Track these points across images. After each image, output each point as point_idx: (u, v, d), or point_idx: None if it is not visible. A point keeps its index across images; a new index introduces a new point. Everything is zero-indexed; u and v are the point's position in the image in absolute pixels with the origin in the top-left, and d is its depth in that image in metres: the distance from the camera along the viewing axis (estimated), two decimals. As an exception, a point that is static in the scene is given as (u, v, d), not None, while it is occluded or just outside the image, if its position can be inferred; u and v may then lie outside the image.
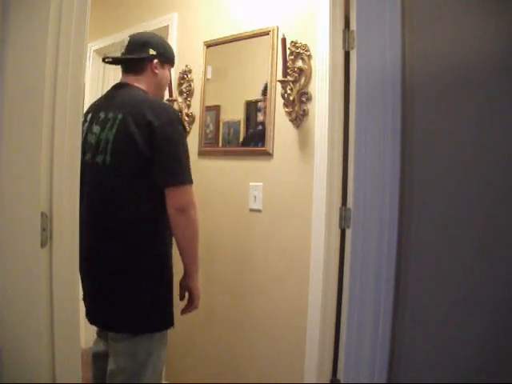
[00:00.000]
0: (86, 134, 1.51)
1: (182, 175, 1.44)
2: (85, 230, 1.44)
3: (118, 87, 1.59)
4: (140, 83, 1.57)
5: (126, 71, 1.61)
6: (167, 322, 1.50)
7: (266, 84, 1.89)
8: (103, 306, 1.48)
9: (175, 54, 2.23)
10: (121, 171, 1.44)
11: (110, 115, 1.47)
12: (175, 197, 1.43)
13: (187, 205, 1.44)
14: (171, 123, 1.44)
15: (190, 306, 1.55)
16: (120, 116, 1.44)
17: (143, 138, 1.40)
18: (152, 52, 1.59)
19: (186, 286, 1.54)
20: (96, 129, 1.49)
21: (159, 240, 1.48)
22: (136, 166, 1.43)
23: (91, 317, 1.54)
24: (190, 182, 1.46)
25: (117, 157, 1.43)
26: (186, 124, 2.20)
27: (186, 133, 1.53)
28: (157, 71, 1.60)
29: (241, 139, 2.01)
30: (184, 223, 1.45)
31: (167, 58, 1.66)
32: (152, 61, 1.59)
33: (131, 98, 1.50)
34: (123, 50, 1.60)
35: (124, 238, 1.45)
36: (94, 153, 1.47)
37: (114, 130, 1.44)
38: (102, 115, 1.51)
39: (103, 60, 1.70)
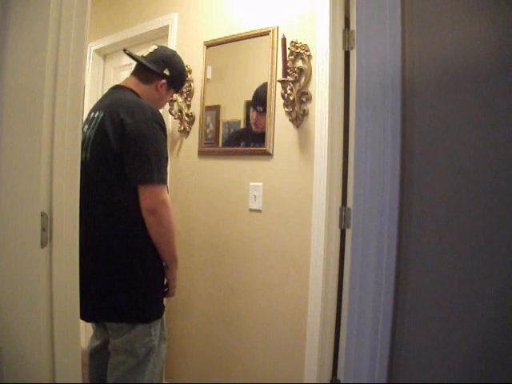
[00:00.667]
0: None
1: (150, 174, 1.41)
2: (81, 223, 1.48)
3: (113, 89, 1.64)
4: (137, 89, 1.60)
5: (133, 73, 1.65)
6: (159, 310, 1.53)
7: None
8: (95, 299, 1.49)
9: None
10: (98, 169, 1.47)
11: (96, 114, 1.53)
12: (145, 197, 1.42)
13: (157, 205, 1.42)
14: (144, 121, 1.43)
15: (167, 292, 1.62)
16: (101, 115, 1.49)
17: (115, 136, 1.42)
18: (166, 72, 1.63)
19: (165, 275, 1.60)
20: (85, 127, 1.55)
21: (141, 233, 1.48)
22: (110, 164, 1.44)
23: (86, 313, 1.54)
24: (160, 181, 1.44)
25: (94, 154, 1.48)
26: (186, 124, 2.20)
27: (164, 133, 1.51)
28: (159, 91, 1.64)
29: (241, 139, 2.01)
30: (155, 223, 1.45)
31: (176, 86, 1.71)
32: (161, 79, 1.63)
33: (116, 98, 1.54)
34: (145, 54, 1.65)
35: (106, 232, 1.47)
36: (81, 150, 1.51)
37: (94, 129, 1.49)
38: (92, 115, 1.56)
39: (124, 50, 1.74)
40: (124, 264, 1.47)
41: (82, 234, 1.46)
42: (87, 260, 1.47)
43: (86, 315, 1.55)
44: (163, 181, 1.45)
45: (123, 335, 1.46)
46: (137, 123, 1.42)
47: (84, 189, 1.47)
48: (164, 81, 1.62)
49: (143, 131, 1.42)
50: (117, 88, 1.62)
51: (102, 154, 1.46)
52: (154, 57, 1.64)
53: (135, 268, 1.48)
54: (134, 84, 1.61)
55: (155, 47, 1.67)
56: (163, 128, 1.51)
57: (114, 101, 1.52)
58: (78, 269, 1.19)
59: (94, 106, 1.61)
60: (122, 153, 1.42)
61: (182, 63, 1.76)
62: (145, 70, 1.62)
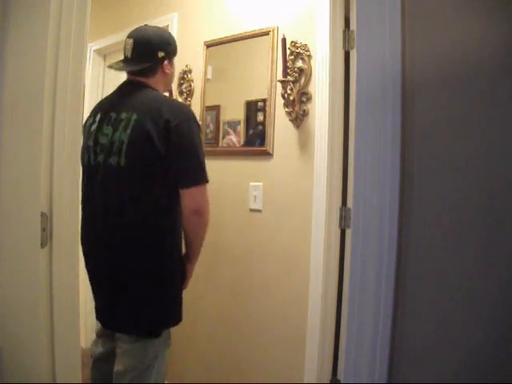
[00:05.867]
0: (97, 134, 1.47)
1: (198, 175, 1.43)
2: (98, 231, 1.43)
3: (128, 85, 1.54)
4: (151, 83, 1.53)
5: (134, 73, 1.54)
6: (175, 320, 1.52)
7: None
8: (114, 308, 1.47)
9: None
10: (137, 173, 1.40)
11: (123, 116, 1.43)
12: (191, 198, 1.42)
13: (203, 206, 1.45)
14: (188, 122, 1.42)
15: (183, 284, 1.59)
16: (135, 116, 1.40)
17: (160, 137, 1.37)
18: (161, 54, 1.53)
19: (184, 266, 1.56)
20: (108, 130, 1.44)
21: (173, 240, 1.47)
22: (153, 167, 1.39)
23: (102, 318, 1.53)
24: (206, 180, 1.45)
25: (133, 158, 1.39)
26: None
27: (200, 132, 1.52)
28: (168, 71, 1.57)
29: (241, 139, 2.01)
30: (198, 224, 1.48)
31: (174, 53, 1.62)
32: (162, 63, 1.55)
33: (146, 98, 1.46)
34: (128, 54, 1.53)
35: (138, 238, 1.41)
36: (106, 154, 1.42)
37: (128, 131, 1.39)
38: (113, 115, 1.46)
39: (109, 66, 1.63)
40: (147, 274, 1.42)
41: (108, 237, 1.42)
42: (110, 268, 1.44)
43: (102, 320, 1.53)
44: (207, 180, 1.46)
45: (135, 341, 1.44)
46: (182, 123, 1.40)
47: (115, 196, 1.41)
48: (166, 61, 1.55)
49: (189, 132, 1.41)
50: (133, 85, 1.52)
51: (144, 158, 1.39)
52: (139, 50, 1.51)
53: (157, 279, 1.44)
54: (145, 79, 1.52)
55: (131, 40, 1.52)
56: (200, 127, 1.52)
57: (146, 101, 1.44)
58: (78, 269, 1.19)
59: (112, 106, 1.50)
60: (168, 155, 1.38)
61: (163, 31, 1.63)
62: (144, 68, 1.52)
